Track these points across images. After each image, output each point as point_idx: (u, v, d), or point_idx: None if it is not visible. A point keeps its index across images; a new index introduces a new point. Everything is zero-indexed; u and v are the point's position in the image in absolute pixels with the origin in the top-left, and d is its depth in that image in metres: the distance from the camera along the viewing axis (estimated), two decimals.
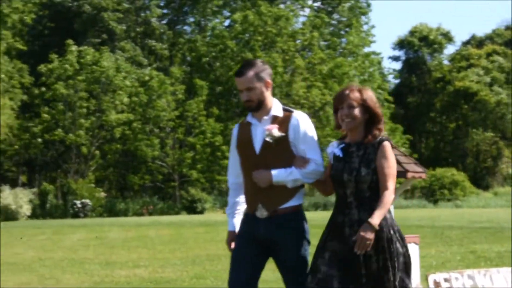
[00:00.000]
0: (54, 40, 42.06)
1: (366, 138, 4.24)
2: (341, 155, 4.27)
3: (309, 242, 4.37)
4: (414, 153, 44.10)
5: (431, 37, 57.51)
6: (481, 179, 50.72)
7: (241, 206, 4.51)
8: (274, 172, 4.25)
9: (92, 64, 38.09)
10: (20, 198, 32.02)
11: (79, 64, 37.97)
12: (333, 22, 47.21)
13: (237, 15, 42.71)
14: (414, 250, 8.02)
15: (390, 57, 60.71)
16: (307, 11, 46.98)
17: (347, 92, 4.26)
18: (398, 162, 8.11)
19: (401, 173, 8.18)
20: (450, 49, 76.82)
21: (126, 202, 35.75)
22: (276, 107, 4.40)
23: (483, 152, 54.04)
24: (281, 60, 39.98)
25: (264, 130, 4.31)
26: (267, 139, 4.27)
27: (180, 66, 44.11)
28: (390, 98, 45.16)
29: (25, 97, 38.15)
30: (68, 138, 37.09)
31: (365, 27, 46.46)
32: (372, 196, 4.17)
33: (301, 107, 39.64)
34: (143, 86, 39.73)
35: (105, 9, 44.15)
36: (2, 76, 35.11)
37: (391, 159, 4.21)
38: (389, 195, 4.14)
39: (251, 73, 4.33)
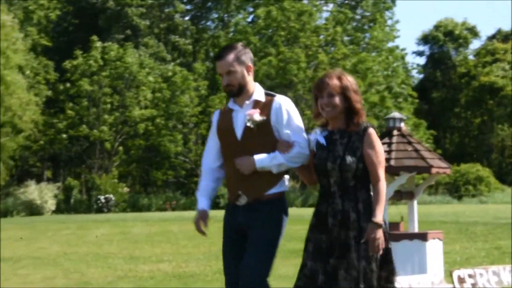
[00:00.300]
0: (79, 37, 42.33)
1: (349, 126, 4.13)
2: (324, 143, 4.16)
3: (281, 231, 4.20)
4: (438, 148, 43.73)
5: (456, 31, 56.94)
6: (506, 175, 50.14)
7: (212, 189, 4.38)
8: (257, 157, 4.13)
9: (116, 60, 38.28)
10: (45, 193, 32.31)
11: (103, 60, 38.18)
12: (357, 17, 46.94)
13: (260, 11, 42.63)
14: (438, 246, 7.98)
15: (414, 52, 60.19)
16: (330, 6, 46.76)
17: (326, 80, 4.14)
18: (422, 158, 8.07)
19: (425, 169, 8.13)
20: (475, 44, 76.21)
21: (149, 198, 35.91)
22: (258, 92, 4.29)
23: (508, 148, 53.44)
24: (304, 56, 39.86)
25: (245, 116, 4.20)
26: (248, 124, 4.17)
27: (203, 62, 44.17)
28: (414, 94, 44.80)
29: (50, 93, 38.45)
30: (92, 134, 37.34)
31: (389, 22, 46.14)
32: (357, 185, 4.06)
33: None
34: (166, 82, 39.85)
35: (129, 5, 44.32)
36: (28, 72, 35.41)
37: (378, 146, 4.11)
38: (382, 185, 4.04)
39: (231, 56, 4.23)
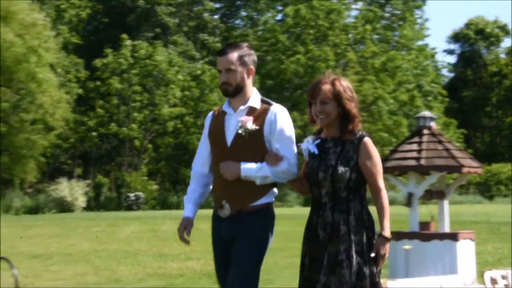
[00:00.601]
0: (109, 35, 42.65)
1: (343, 134, 3.92)
2: (316, 152, 3.94)
3: (267, 245, 4.01)
4: (469, 148, 43.27)
5: (488, 30, 56.30)
6: None
7: (200, 195, 4.20)
8: (243, 165, 3.94)
9: (146, 58, 38.51)
10: (75, 191, 32.63)
11: (133, 58, 38.44)
12: (386, 15, 46.65)
13: (289, 9, 42.57)
14: (469, 246, 7.89)
15: (444, 51, 59.66)
16: (359, 4, 46.53)
17: (319, 85, 3.92)
18: (453, 157, 7.99)
19: (456, 168, 8.05)
20: (507, 42, 75.15)
21: (179, 195, 36.06)
22: (254, 98, 4.08)
23: None
24: (333, 54, 39.72)
25: (238, 122, 4.01)
26: (239, 131, 3.97)
27: None
28: (444, 92, 44.41)
29: (80, 91, 38.82)
30: (122, 132, 37.61)
31: (419, 20, 45.80)
32: (349, 196, 3.86)
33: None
34: (195, 80, 39.99)
35: (159, 3, 44.56)
36: (59, 70, 35.77)
37: (375, 155, 3.90)
38: (384, 196, 3.88)
39: (235, 54, 4.03)
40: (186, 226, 4.13)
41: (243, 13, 49.68)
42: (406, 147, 8.28)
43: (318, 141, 3.98)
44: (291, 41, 41.55)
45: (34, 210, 31.17)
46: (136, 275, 10.17)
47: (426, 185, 8.07)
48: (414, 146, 8.18)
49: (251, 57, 4.10)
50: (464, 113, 53.41)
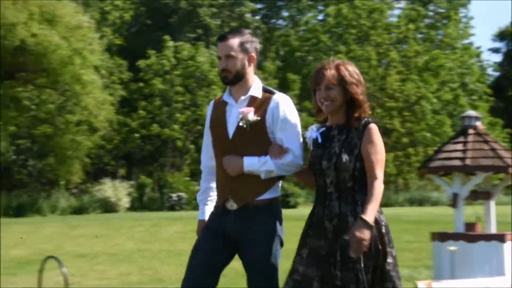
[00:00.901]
0: (152, 37, 43.05)
1: (349, 121, 3.72)
2: (320, 140, 3.76)
3: (281, 243, 3.89)
4: None
5: None
6: None
7: (214, 192, 4.02)
8: (246, 159, 3.77)
9: (188, 59, 38.78)
10: (119, 191, 33.00)
11: (176, 59, 38.73)
12: (430, 13, 46.13)
13: (331, 9, 42.39)
14: None
15: (489, 49, 58.72)
16: (402, 3, 46.10)
17: (323, 70, 3.75)
18: (500, 157, 7.86)
19: (503, 168, 7.92)
20: None
21: None
22: (255, 87, 3.91)
23: None
24: (375, 54, 39.43)
25: (239, 113, 3.84)
26: (241, 123, 3.81)
27: (273, 61, 44.23)
28: (490, 91, 43.71)
29: (124, 93, 39.26)
30: (164, 133, 37.92)
31: (463, 19, 45.18)
32: (355, 186, 3.65)
33: (396, 100, 38.99)
34: None
35: (201, 5, 44.84)
36: (103, 72, 36.24)
37: (379, 143, 3.68)
38: (379, 185, 3.60)
39: (236, 40, 3.86)
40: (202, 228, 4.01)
41: (285, 14, 49.63)
42: (451, 147, 8.18)
43: (323, 129, 3.80)
44: (333, 41, 41.37)
45: (79, 210, 31.63)
46: (179, 274, 10.22)
47: (472, 186, 7.96)
48: (459, 146, 8.07)
49: (253, 44, 3.95)
50: (510, 113, 52.47)
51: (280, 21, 50.16)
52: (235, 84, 3.90)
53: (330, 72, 3.73)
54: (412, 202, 37.20)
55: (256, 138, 3.82)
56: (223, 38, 3.89)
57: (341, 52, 39.46)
